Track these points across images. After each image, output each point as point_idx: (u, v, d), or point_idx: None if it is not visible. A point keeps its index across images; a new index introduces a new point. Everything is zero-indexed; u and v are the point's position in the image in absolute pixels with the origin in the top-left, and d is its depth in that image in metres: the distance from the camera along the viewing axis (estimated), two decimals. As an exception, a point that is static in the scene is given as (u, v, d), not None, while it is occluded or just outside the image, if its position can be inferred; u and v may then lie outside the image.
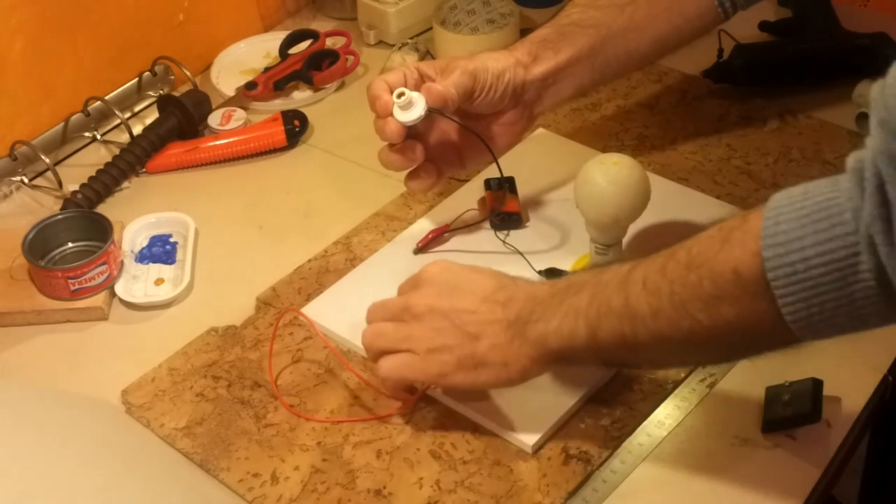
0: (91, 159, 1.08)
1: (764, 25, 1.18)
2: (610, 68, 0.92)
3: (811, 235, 0.60)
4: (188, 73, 1.13)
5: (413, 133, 0.85)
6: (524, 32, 1.16)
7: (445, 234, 0.94)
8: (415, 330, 0.76)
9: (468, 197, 0.98)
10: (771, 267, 0.61)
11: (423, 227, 0.95)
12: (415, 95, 0.82)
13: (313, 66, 1.16)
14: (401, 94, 0.81)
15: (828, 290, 0.60)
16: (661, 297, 0.67)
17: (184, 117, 1.08)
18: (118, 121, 1.10)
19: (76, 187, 1.02)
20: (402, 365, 0.76)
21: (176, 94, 1.12)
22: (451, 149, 0.90)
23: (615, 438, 0.78)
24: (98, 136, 1.10)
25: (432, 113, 0.83)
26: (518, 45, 0.89)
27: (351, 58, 1.17)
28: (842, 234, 0.59)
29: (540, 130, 1.07)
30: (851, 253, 0.59)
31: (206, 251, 0.97)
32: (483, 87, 0.85)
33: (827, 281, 0.60)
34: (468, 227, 0.95)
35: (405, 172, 0.89)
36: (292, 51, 1.18)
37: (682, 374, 0.82)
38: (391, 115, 0.82)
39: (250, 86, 1.13)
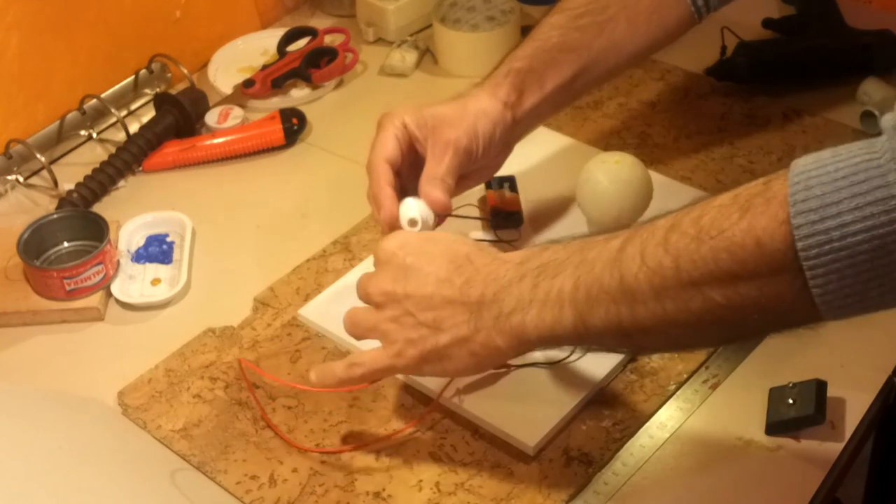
0: (87, 158, 1.08)
1: (768, 23, 1.17)
2: (587, 88, 0.91)
3: (848, 199, 0.55)
4: (185, 71, 1.13)
5: (396, 173, 0.83)
6: (524, 30, 1.16)
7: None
8: (379, 321, 0.73)
9: (468, 196, 0.97)
10: (802, 235, 0.56)
11: (422, 226, 0.95)
12: (422, 212, 0.79)
13: (312, 63, 1.15)
14: (413, 223, 0.79)
15: (865, 259, 0.56)
16: (666, 274, 0.61)
17: (181, 115, 1.07)
18: (114, 119, 1.09)
19: (72, 186, 1.01)
20: (371, 360, 0.74)
21: (173, 91, 1.12)
22: None
23: (617, 440, 0.77)
24: (94, 135, 1.09)
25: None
26: (502, 81, 0.85)
27: (350, 55, 1.17)
28: (885, 197, 0.55)
29: (541, 129, 1.05)
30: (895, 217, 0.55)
31: (203, 251, 0.96)
32: (476, 157, 0.83)
33: (865, 249, 0.55)
34: (467, 218, 0.93)
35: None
36: (290, 48, 1.17)
37: (685, 376, 0.81)
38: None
39: (248, 84, 1.13)
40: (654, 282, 0.62)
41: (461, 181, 0.84)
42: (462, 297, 0.70)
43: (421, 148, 0.83)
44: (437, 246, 0.74)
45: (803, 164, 0.58)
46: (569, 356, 0.81)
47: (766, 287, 0.59)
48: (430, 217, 0.80)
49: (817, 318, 0.59)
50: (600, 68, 0.88)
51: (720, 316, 0.61)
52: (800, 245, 0.57)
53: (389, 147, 0.81)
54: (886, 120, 0.57)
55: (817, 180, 0.57)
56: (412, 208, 0.79)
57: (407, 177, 0.83)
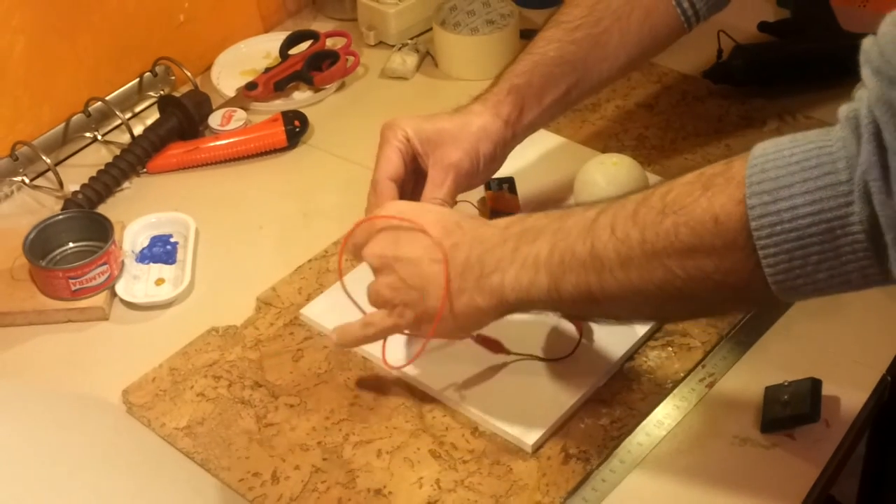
0: (92, 159, 1.08)
1: (763, 26, 1.18)
2: (581, 99, 0.92)
3: (800, 183, 0.58)
4: (189, 74, 1.13)
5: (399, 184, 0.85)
6: (524, 33, 1.17)
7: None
8: (380, 287, 0.76)
9: (468, 196, 0.98)
10: (756, 215, 0.59)
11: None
12: None
13: (313, 66, 1.16)
14: None
15: (814, 241, 0.58)
16: (632, 245, 0.64)
17: (184, 118, 1.08)
18: (119, 121, 1.10)
19: (77, 187, 1.02)
20: (380, 320, 0.77)
21: (176, 94, 1.12)
22: None
23: (614, 438, 0.78)
24: (99, 137, 1.10)
25: None
26: (504, 98, 0.86)
27: (351, 58, 1.18)
28: (833, 183, 0.57)
29: (540, 131, 1.06)
30: (843, 203, 0.57)
31: (206, 251, 0.97)
32: (476, 175, 0.85)
33: (814, 232, 0.58)
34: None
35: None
36: (293, 51, 1.18)
37: (681, 374, 0.82)
38: None
39: (251, 86, 1.13)
40: (621, 251, 0.65)
41: None
42: (449, 259, 0.72)
43: (422, 162, 0.84)
44: (429, 213, 0.76)
45: (763, 148, 0.61)
46: (569, 355, 0.82)
47: (722, 262, 0.61)
48: None
49: (771, 297, 0.61)
50: (594, 79, 0.90)
51: (679, 288, 0.64)
52: (753, 224, 0.59)
53: (393, 164, 0.83)
54: (842, 110, 0.59)
55: (773, 164, 0.59)
56: None
57: (407, 181, 0.85)
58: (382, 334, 0.79)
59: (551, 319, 0.83)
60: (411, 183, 0.86)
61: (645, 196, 0.65)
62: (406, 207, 0.78)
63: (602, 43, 0.89)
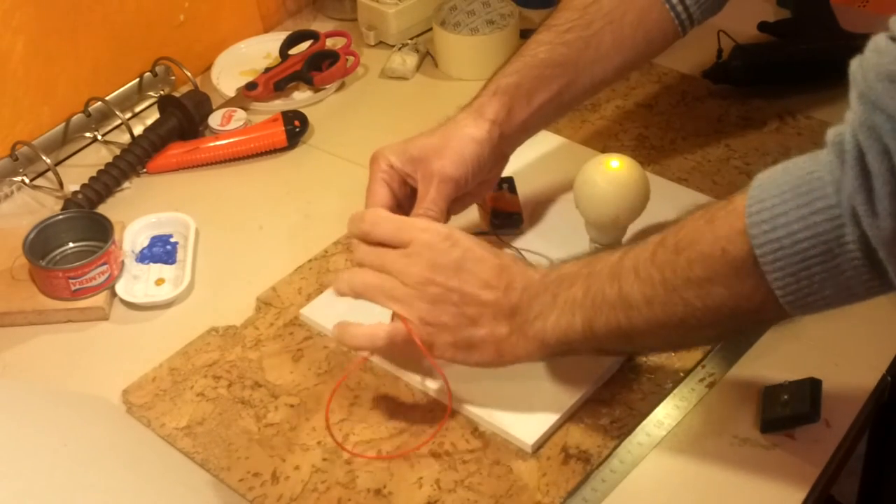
0: (92, 159, 1.09)
1: (763, 26, 1.18)
2: (575, 101, 0.92)
3: (795, 210, 0.61)
4: (189, 74, 1.14)
5: (397, 203, 0.85)
6: (524, 33, 1.17)
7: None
8: (409, 297, 0.75)
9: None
10: (758, 244, 0.63)
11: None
12: None
13: (313, 66, 1.16)
14: None
15: (815, 262, 0.61)
16: (654, 284, 0.69)
17: (184, 118, 1.08)
18: (119, 121, 1.10)
19: (77, 187, 1.02)
20: (403, 333, 0.76)
21: (176, 94, 1.13)
22: None
23: (615, 438, 0.78)
24: (99, 137, 1.10)
25: None
26: (489, 100, 0.86)
27: (351, 58, 1.18)
28: (825, 207, 0.60)
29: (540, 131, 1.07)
30: (836, 225, 0.60)
31: (206, 251, 0.97)
32: (467, 181, 0.85)
33: (813, 254, 0.61)
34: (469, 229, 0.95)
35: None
36: (292, 51, 1.18)
37: (682, 374, 0.82)
38: None
39: (251, 86, 1.14)
40: (645, 291, 0.69)
41: (464, 198, 0.87)
42: (503, 300, 0.75)
43: (413, 182, 0.85)
44: (482, 248, 0.77)
45: (760, 179, 0.64)
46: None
47: (735, 290, 0.65)
48: None
49: (787, 315, 0.65)
50: (587, 81, 0.90)
51: (700, 318, 0.68)
52: (757, 252, 0.63)
53: (379, 196, 0.84)
54: (829, 133, 0.62)
55: (769, 193, 0.63)
56: None
57: (403, 207, 0.85)
58: (398, 347, 0.78)
59: None
60: (411, 208, 0.85)
61: (662, 238, 0.70)
62: (456, 235, 0.77)
63: (594, 45, 0.89)
